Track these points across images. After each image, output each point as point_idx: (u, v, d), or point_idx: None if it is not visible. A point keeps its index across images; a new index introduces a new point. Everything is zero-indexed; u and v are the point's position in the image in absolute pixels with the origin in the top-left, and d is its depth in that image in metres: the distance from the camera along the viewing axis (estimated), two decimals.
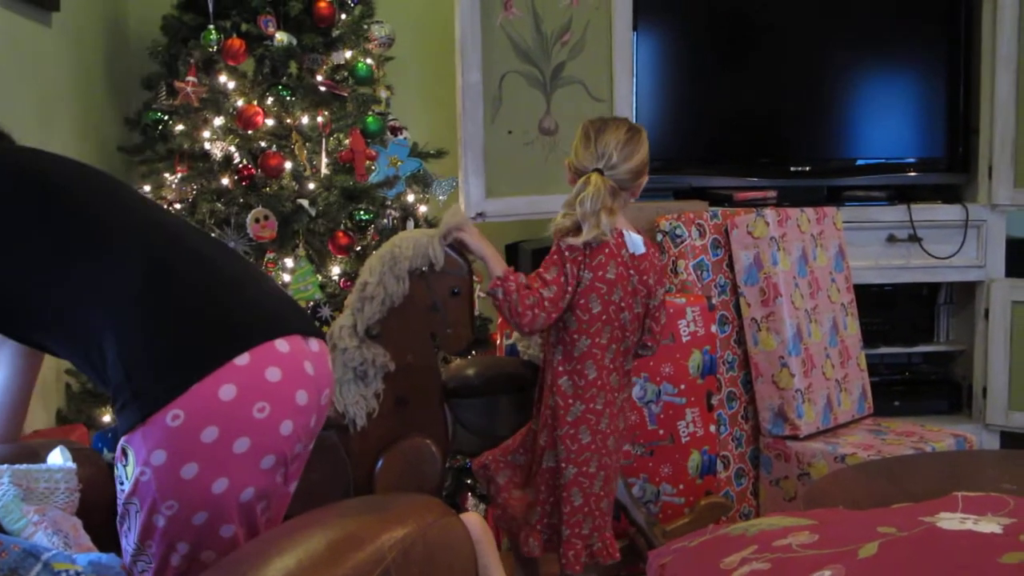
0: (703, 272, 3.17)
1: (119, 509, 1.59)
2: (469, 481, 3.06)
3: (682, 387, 2.86)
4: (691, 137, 3.89)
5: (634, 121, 3.67)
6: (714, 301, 3.07)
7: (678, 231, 3.16)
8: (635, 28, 3.67)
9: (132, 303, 1.55)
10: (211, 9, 3.22)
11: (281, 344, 1.55)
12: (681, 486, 2.87)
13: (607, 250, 2.29)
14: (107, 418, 3.02)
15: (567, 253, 2.26)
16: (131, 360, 1.52)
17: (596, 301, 2.29)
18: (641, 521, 2.64)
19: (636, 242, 2.34)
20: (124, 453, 1.53)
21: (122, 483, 1.56)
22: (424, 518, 1.60)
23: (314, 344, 1.63)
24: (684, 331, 2.86)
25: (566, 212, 2.30)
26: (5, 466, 1.78)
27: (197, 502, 1.52)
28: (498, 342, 3.05)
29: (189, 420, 1.48)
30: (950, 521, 1.01)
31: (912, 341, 3.99)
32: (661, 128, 3.81)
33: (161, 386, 1.49)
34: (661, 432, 2.86)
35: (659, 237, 3.19)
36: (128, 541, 1.58)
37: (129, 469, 1.53)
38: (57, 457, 1.86)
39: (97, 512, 1.93)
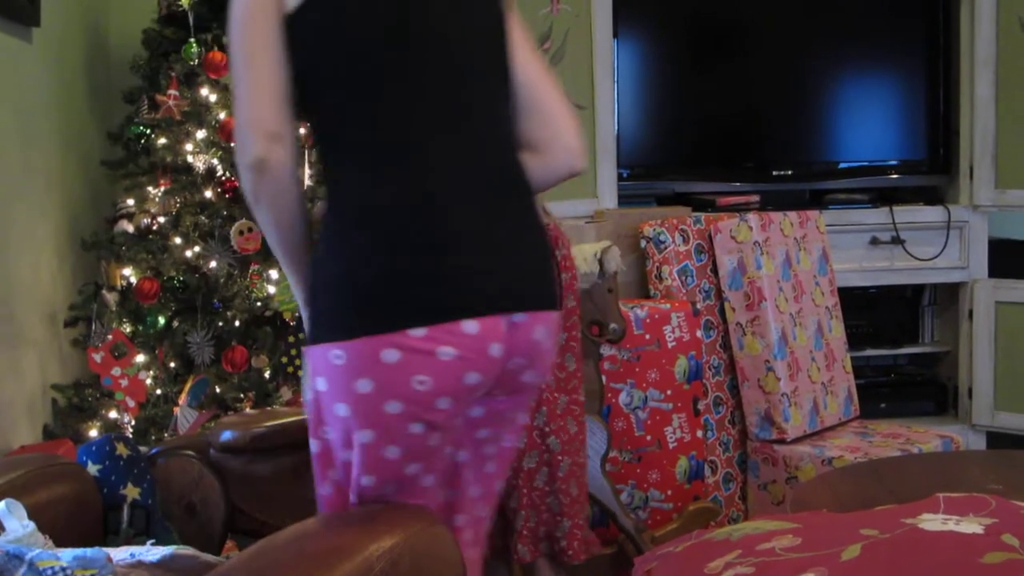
0: (687, 278, 3.18)
1: None
2: None
3: (668, 393, 2.86)
4: (673, 143, 3.91)
5: (616, 128, 3.72)
6: (699, 306, 3.07)
7: (661, 237, 3.17)
8: (615, 35, 3.69)
9: (357, 226, 1.51)
10: (192, 22, 3.22)
11: (470, 325, 1.47)
12: (669, 492, 2.88)
13: (567, 249, 2.37)
14: (94, 432, 3.01)
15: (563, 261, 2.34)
16: (323, 281, 1.51)
17: (571, 297, 2.33)
18: (630, 527, 2.64)
19: None
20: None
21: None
22: (412, 528, 1.59)
23: (521, 317, 1.53)
24: (669, 337, 2.87)
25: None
26: None
27: (345, 442, 1.54)
28: None
29: (349, 365, 1.47)
30: (932, 522, 1.02)
31: (897, 343, 4.01)
32: (643, 134, 3.83)
33: (333, 324, 1.49)
34: (648, 438, 2.86)
35: (643, 243, 3.19)
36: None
37: (306, 380, 1.58)
38: (11, 519, 1.78)
39: (85, 528, 1.93)
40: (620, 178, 3.70)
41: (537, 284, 1.57)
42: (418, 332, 1.44)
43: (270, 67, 1.51)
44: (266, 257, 3.11)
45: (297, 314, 3.04)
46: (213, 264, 3.10)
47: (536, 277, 1.58)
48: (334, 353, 1.47)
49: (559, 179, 1.72)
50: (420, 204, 1.50)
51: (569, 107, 1.70)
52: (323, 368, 1.50)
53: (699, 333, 2.93)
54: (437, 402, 1.50)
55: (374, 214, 1.50)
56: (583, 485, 2.38)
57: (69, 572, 1.46)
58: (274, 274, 3.08)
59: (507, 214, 1.57)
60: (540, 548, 2.39)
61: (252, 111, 1.51)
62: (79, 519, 1.94)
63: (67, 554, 1.58)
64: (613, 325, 2.69)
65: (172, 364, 3.11)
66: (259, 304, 3.06)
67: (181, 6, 3.21)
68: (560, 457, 2.33)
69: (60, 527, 1.85)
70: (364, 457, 1.53)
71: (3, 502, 1.72)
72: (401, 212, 1.49)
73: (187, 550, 1.72)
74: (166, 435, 2.99)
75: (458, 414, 1.56)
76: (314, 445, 1.61)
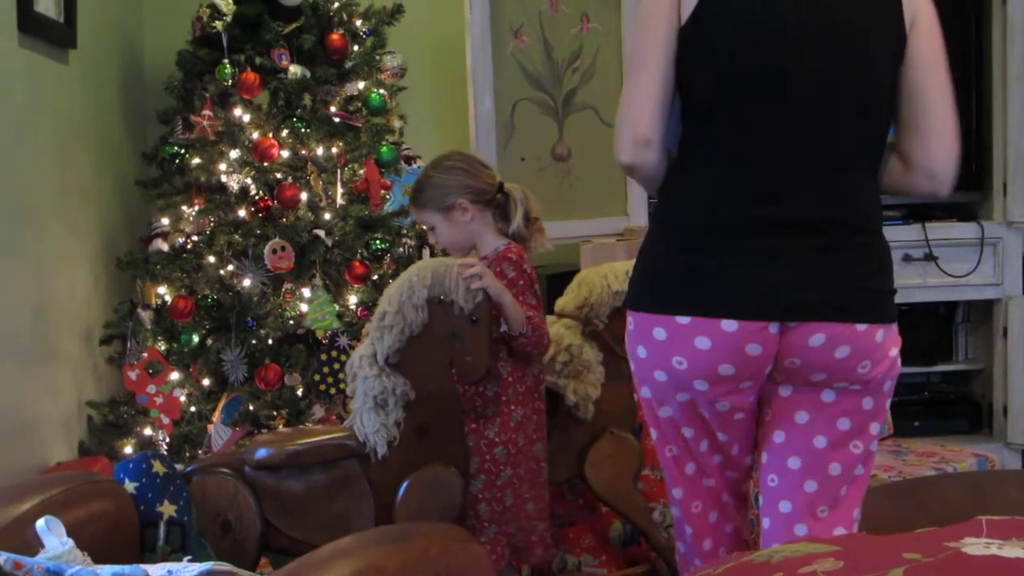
0: None
1: None
2: None
3: None
4: None
5: None
6: None
7: None
8: None
9: (676, 222, 1.78)
10: (225, 44, 3.25)
11: (729, 324, 1.68)
12: None
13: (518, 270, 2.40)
14: (128, 449, 3.04)
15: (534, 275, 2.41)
16: (639, 261, 1.84)
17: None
18: (663, 545, 2.63)
19: None
20: None
21: None
22: (447, 546, 1.60)
23: (788, 324, 1.70)
24: None
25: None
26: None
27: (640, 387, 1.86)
28: None
29: (636, 331, 1.80)
30: (975, 546, 1.01)
31: (930, 360, 3.97)
32: None
33: (632, 296, 1.83)
34: None
35: None
36: None
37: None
38: (50, 537, 1.78)
39: (122, 545, 1.95)
40: (651, 196, 3.70)
41: (822, 299, 1.71)
42: (683, 320, 1.71)
43: (653, 74, 1.71)
44: (299, 275, 3.13)
45: (329, 332, 3.06)
46: (246, 283, 3.12)
47: (828, 294, 1.71)
48: (630, 319, 1.82)
49: (917, 194, 1.89)
50: (731, 220, 1.71)
51: (953, 129, 1.80)
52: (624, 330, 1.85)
53: None
54: (694, 382, 1.75)
55: (690, 218, 1.75)
56: (523, 497, 2.36)
57: None
58: (307, 292, 3.10)
59: (818, 238, 1.71)
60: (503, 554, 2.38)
61: (629, 116, 1.74)
62: (116, 536, 1.96)
63: (105, 571, 1.59)
64: None
65: (206, 382, 3.13)
66: (292, 322, 3.08)
67: (215, 27, 3.25)
68: (502, 467, 2.33)
69: (98, 544, 1.86)
70: (647, 411, 1.86)
71: (42, 519, 1.74)
72: (722, 225, 1.72)
73: (224, 566, 1.73)
74: (200, 452, 3.01)
75: (723, 395, 1.77)
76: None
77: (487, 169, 2.45)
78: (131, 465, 2.14)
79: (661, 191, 1.82)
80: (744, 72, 1.69)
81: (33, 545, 1.71)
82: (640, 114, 1.72)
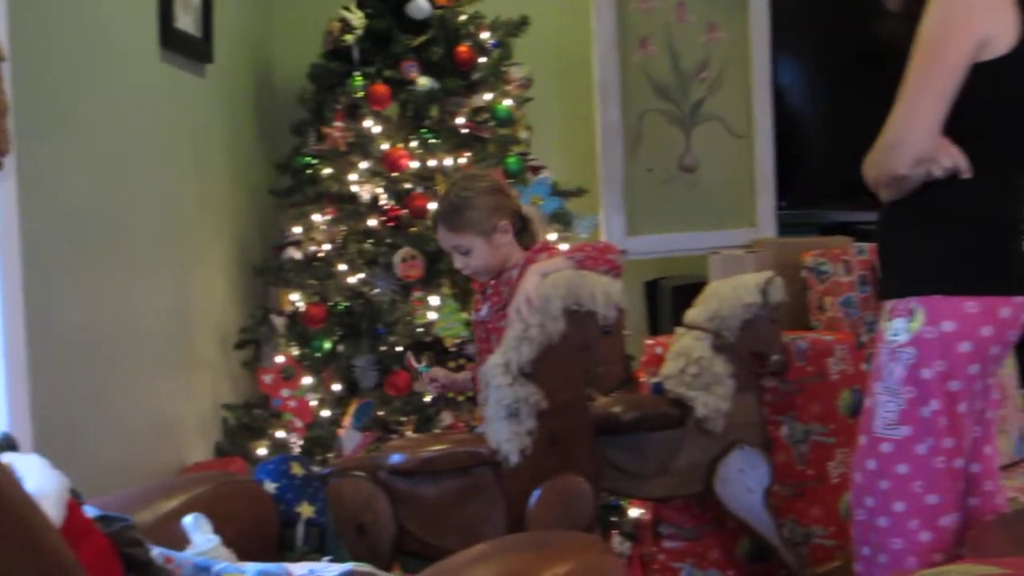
0: (850, 309, 3.10)
1: (881, 356, 2.08)
2: (615, 519, 3.04)
3: (831, 427, 2.79)
4: (833, 170, 3.82)
5: (775, 156, 3.66)
6: (862, 339, 2.99)
7: (823, 267, 3.10)
8: (774, 61, 3.64)
9: (996, 218, 2.04)
10: (356, 57, 3.32)
11: (1019, 299, 2.01)
12: (832, 528, 2.80)
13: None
14: (262, 451, 3.12)
15: None
16: (956, 251, 2.02)
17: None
18: (793, 563, 2.58)
19: None
20: (911, 311, 2.02)
21: (897, 334, 2.04)
22: (584, 556, 1.60)
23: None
24: (832, 369, 2.80)
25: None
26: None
27: (957, 373, 2.00)
28: (642, 380, 3.03)
29: (982, 315, 1.98)
30: None
31: None
32: (802, 162, 3.76)
33: (970, 282, 2.00)
34: (810, 472, 2.79)
35: (803, 273, 3.13)
36: (887, 383, 2.06)
37: (915, 324, 2.01)
38: (197, 533, 1.82)
39: (263, 544, 2.00)
40: (779, 207, 3.64)
41: None
42: (1020, 299, 2.01)
43: (940, 104, 1.95)
44: (428, 284, 3.17)
45: (458, 340, 3.08)
46: (377, 290, 3.17)
47: None
48: (972, 303, 1.98)
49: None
50: (1010, 214, 2.05)
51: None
52: (954, 314, 1.99)
53: (863, 366, 2.85)
54: (991, 348, 2.01)
55: (987, 212, 2.02)
56: None
57: None
58: (435, 301, 3.14)
59: None
60: None
61: (912, 136, 1.97)
62: (257, 535, 2.01)
63: (250, 568, 1.63)
64: (775, 357, 2.64)
65: (337, 387, 3.19)
66: (421, 330, 3.12)
67: (346, 41, 3.32)
68: None
69: (240, 542, 1.90)
70: (967, 386, 2.01)
71: (190, 516, 1.78)
72: (1006, 218, 2.04)
73: (365, 567, 1.76)
74: (330, 456, 3.07)
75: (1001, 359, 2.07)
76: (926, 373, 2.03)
77: (512, 189, 2.46)
78: (271, 466, 2.18)
79: (950, 189, 2.00)
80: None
81: (180, 541, 1.76)
82: (923, 137, 1.96)
